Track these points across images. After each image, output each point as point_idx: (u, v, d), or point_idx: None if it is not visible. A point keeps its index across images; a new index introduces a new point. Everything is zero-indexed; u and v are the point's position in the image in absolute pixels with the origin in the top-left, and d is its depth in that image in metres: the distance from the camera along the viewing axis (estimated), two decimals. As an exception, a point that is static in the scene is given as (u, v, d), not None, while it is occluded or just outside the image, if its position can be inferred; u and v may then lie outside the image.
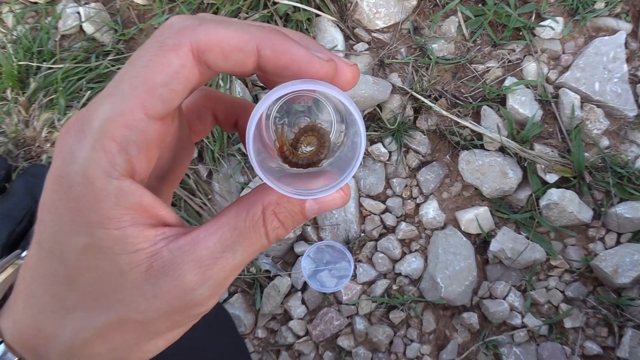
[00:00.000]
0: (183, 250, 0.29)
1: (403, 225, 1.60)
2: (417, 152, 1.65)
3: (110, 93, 0.27)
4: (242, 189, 1.68)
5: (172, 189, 0.40)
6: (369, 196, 1.67)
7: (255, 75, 0.33)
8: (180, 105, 0.35)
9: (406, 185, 1.65)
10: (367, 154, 1.62)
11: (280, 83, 0.32)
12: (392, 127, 1.57)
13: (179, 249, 0.29)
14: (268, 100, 0.31)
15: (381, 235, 1.65)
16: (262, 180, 0.33)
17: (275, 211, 0.34)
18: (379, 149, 1.59)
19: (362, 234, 1.66)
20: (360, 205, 1.67)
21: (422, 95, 1.56)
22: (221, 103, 0.42)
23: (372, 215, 1.66)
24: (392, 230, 1.66)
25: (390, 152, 1.65)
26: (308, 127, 0.49)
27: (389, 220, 1.62)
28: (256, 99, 1.70)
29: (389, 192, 1.66)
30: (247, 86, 1.59)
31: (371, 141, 1.66)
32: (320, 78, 0.30)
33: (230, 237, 0.31)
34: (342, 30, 1.68)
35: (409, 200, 1.65)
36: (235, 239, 0.31)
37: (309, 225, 1.50)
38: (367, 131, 1.62)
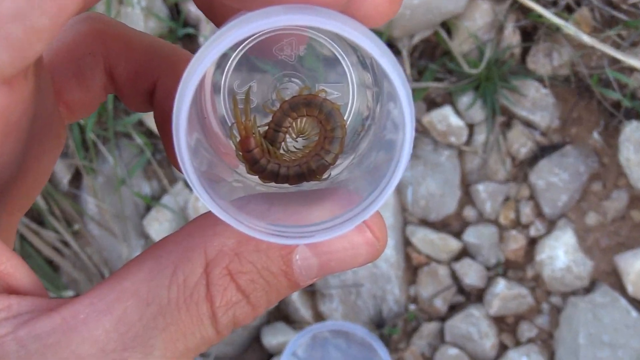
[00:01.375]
0: (46, 342, 0.32)
1: (501, 285, 1.64)
2: (529, 124, 1.67)
3: None
4: (148, 208, 1.71)
5: (19, 214, 0.44)
6: (425, 222, 1.70)
7: None
8: (42, 56, 0.38)
9: (507, 199, 1.68)
10: (421, 132, 1.66)
11: (243, 12, 0.34)
12: (475, 70, 1.60)
13: (38, 339, 0.32)
14: (219, 45, 0.33)
15: (453, 309, 1.68)
16: (207, 207, 0.36)
17: (231, 269, 0.38)
18: (447, 119, 1.62)
19: (412, 306, 1.68)
20: (406, 242, 1.69)
21: (538, 1, 1.59)
22: (124, 48, 0.46)
23: (433, 264, 1.69)
24: (476, 296, 1.69)
25: (471, 126, 1.67)
26: (299, 99, 0.51)
27: (471, 274, 1.66)
28: (172, 11, 1.75)
29: (469, 212, 1.69)
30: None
31: (428, 102, 1.67)
32: (324, 2, 0.32)
33: (139, 321, 0.34)
34: None
35: (514, 231, 1.68)
36: (149, 323, 0.34)
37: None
38: (420, 81, 1.64)
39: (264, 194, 0.51)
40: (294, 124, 0.54)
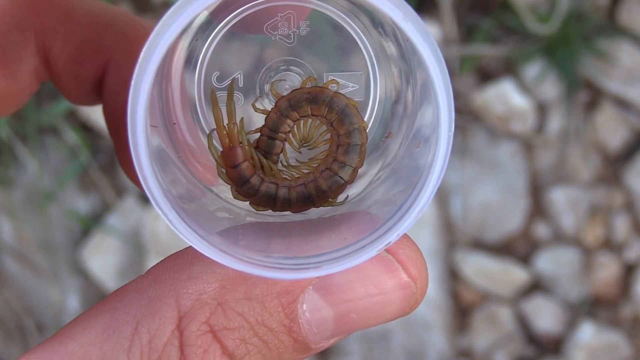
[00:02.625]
0: None
1: (587, 330, 1.67)
2: (622, 103, 1.71)
3: None
4: (87, 233, 1.76)
5: None
6: (479, 245, 1.76)
7: None
8: None
9: (594, 209, 1.73)
10: (472, 117, 1.68)
11: None
12: (545, 29, 1.63)
13: None
14: (186, 11, 0.37)
15: None
16: (178, 236, 0.39)
17: (213, 325, 0.40)
18: (507, 97, 1.66)
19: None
20: (452, 273, 1.75)
21: None
22: (64, 20, 0.48)
23: (492, 303, 1.75)
24: (553, 347, 1.73)
25: (541, 108, 1.72)
26: (301, 94, 0.53)
27: (545, 317, 1.70)
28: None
29: (540, 229, 1.74)
30: None
31: (481, 74, 1.71)
32: None
33: None
34: None
35: (604, 255, 1.72)
36: None
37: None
38: (469, 43, 1.66)
39: (258, 223, 0.52)
40: (295, 127, 0.55)
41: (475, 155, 1.57)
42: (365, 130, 0.54)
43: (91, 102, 0.59)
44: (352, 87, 0.56)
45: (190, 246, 0.42)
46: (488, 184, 1.58)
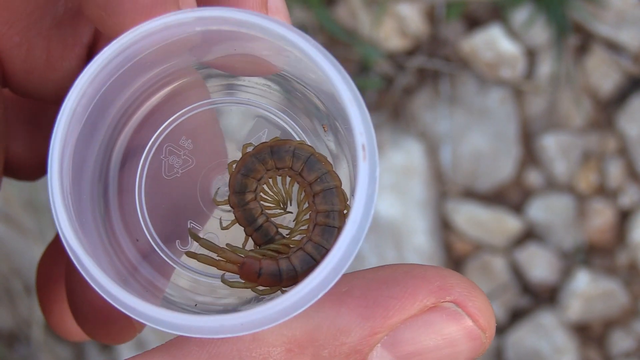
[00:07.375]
0: None
1: (582, 278, 1.68)
2: (613, 46, 1.71)
3: None
4: None
5: None
6: (470, 194, 1.78)
7: None
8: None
9: (587, 155, 1.75)
10: (460, 64, 1.71)
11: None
12: None
13: None
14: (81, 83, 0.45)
15: (515, 316, 1.77)
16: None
17: None
18: (496, 43, 1.65)
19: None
20: (444, 223, 1.78)
21: None
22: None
23: (485, 253, 1.79)
24: (548, 296, 1.77)
25: (531, 53, 1.73)
26: (230, 192, 0.56)
27: (539, 266, 1.72)
28: None
29: (532, 177, 1.76)
30: None
31: (469, 21, 1.72)
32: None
33: None
34: None
35: (598, 201, 1.75)
36: None
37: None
38: None
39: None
40: (262, 206, 0.57)
41: (465, 103, 1.56)
42: (337, 178, 0.55)
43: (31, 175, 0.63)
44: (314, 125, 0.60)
45: None
46: (478, 132, 1.57)
